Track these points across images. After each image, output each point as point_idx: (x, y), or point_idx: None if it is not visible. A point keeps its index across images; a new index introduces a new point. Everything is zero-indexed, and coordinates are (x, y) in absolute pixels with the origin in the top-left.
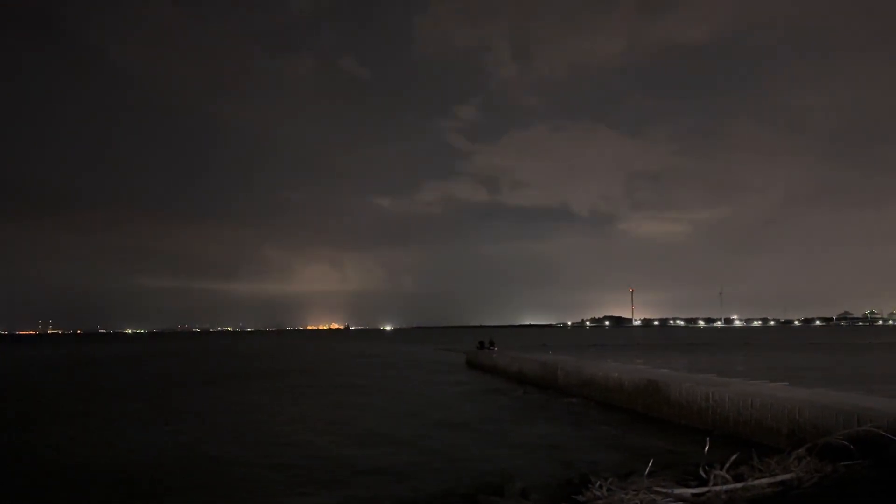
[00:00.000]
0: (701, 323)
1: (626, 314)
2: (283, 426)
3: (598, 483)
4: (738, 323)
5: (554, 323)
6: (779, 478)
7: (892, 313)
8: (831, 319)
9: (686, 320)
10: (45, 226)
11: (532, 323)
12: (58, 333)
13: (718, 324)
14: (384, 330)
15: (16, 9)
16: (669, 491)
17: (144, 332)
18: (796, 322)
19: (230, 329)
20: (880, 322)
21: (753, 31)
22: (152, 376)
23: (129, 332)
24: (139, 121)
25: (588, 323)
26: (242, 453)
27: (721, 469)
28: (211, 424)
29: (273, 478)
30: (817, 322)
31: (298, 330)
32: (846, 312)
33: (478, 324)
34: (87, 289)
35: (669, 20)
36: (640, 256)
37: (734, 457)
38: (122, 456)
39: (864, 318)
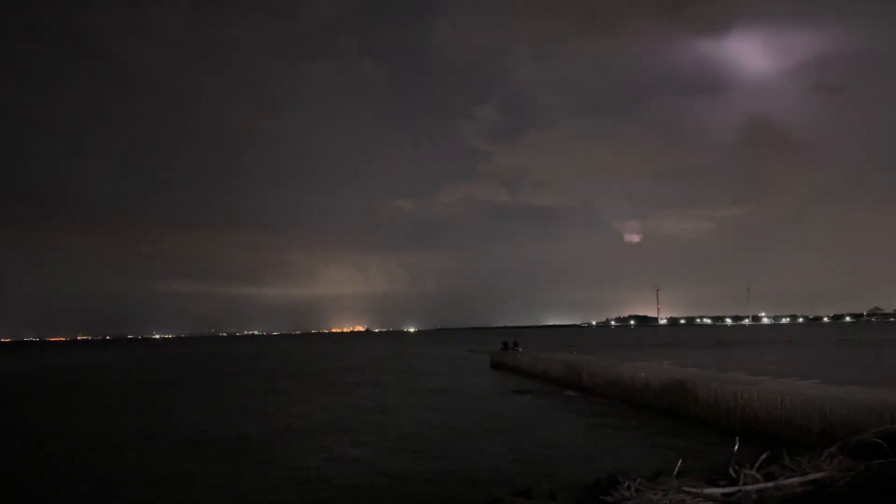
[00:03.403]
0: (728, 321)
1: (651, 313)
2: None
3: (627, 483)
4: (766, 320)
5: (579, 323)
6: (810, 477)
7: None
8: (861, 316)
9: (713, 318)
10: (73, 234)
11: (556, 323)
12: (87, 339)
13: (746, 321)
14: (408, 332)
15: (33, 14)
16: (699, 491)
17: (172, 337)
18: (825, 319)
19: (256, 333)
20: None
21: None
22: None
23: (158, 337)
24: (162, 128)
25: (613, 322)
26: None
27: (751, 468)
28: None
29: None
30: (847, 318)
31: (323, 333)
32: (877, 308)
33: (501, 325)
34: (116, 295)
35: (690, 14)
36: (666, 255)
37: (764, 456)
38: None
39: None
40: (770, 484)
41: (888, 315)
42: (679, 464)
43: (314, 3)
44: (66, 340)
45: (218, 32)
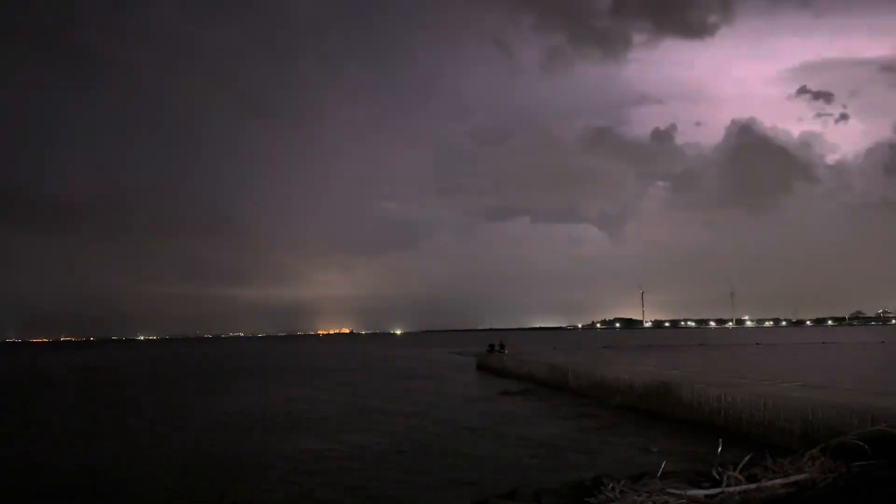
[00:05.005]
0: (712, 324)
1: (636, 316)
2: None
3: (611, 485)
4: (749, 323)
5: (564, 325)
6: (792, 478)
7: None
8: (844, 319)
9: (697, 321)
10: (56, 234)
11: (542, 326)
12: (70, 341)
13: (730, 324)
14: (394, 334)
15: (20, 16)
16: (682, 492)
17: (157, 339)
18: (808, 322)
19: (242, 334)
20: (893, 321)
21: None
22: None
23: (142, 338)
24: (147, 129)
25: (599, 325)
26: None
27: (734, 470)
28: None
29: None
30: (829, 322)
31: (309, 335)
32: (858, 312)
33: (488, 327)
34: (99, 296)
35: (676, 21)
36: (651, 258)
37: (747, 458)
38: None
39: (877, 318)
40: (753, 485)
41: (869, 319)
42: (663, 465)
43: (301, 4)
44: (48, 342)
45: (205, 34)
